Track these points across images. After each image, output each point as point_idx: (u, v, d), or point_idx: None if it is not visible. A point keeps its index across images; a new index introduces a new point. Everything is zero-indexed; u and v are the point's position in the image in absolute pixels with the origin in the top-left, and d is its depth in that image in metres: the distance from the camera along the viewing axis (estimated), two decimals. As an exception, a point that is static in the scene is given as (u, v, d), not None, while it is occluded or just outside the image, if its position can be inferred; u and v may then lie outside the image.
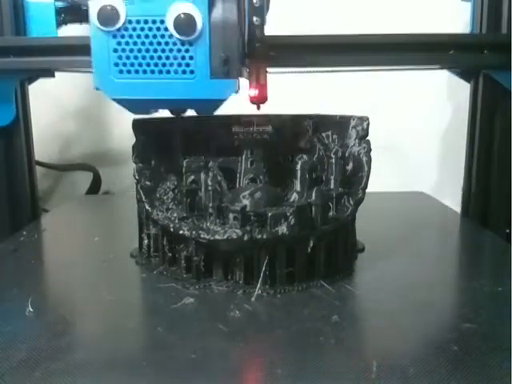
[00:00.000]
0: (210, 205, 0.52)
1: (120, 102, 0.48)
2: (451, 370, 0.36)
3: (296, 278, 0.51)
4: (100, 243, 0.67)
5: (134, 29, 0.45)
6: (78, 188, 1.14)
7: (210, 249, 0.51)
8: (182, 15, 0.44)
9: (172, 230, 0.53)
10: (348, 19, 1.00)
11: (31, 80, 0.81)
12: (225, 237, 0.49)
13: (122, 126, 1.09)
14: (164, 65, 0.45)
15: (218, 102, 0.48)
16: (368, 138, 0.58)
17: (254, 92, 0.52)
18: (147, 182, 0.57)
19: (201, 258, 0.52)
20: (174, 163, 0.59)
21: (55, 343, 0.40)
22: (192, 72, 0.45)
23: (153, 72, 0.45)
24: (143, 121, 0.58)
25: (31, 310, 0.46)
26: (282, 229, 0.49)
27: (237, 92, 0.48)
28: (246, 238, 0.48)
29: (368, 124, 0.58)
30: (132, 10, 0.45)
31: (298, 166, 0.57)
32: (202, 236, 0.50)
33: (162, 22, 0.44)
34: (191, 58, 0.45)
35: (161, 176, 0.59)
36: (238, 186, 0.58)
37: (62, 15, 0.76)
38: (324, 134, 0.60)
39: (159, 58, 0.45)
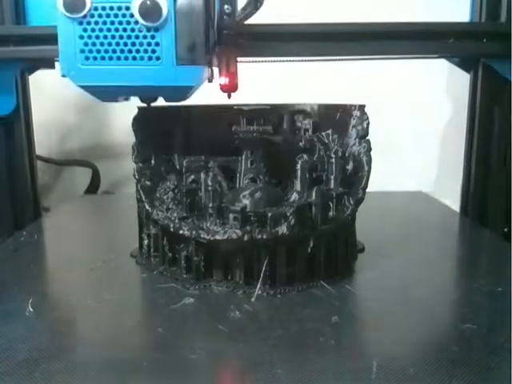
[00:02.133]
0: (210, 205, 0.52)
1: (87, 89, 0.47)
2: (451, 371, 0.36)
3: (296, 279, 0.51)
4: (100, 243, 0.67)
5: (100, 15, 0.44)
6: (76, 184, 1.14)
7: (210, 249, 0.51)
8: (148, 1, 0.43)
9: (172, 229, 0.53)
10: (346, 7, 1.00)
11: (31, 71, 0.82)
12: (225, 237, 0.49)
13: (121, 119, 1.10)
14: (130, 51, 0.45)
15: (186, 89, 0.48)
16: (368, 137, 0.58)
17: (224, 80, 0.51)
18: (147, 182, 0.57)
19: (201, 258, 0.52)
20: (174, 162, 0.59)
21: (55, 343, 0.40)
22: (158, 58, 0.45)
23: (119, 58, 0.45)
24: (143, 119, 0.58)
25: (31, 310, 0.46)
26: (282, 229, 0.49)
27: (210, 81, 0.48)
28: (246, 238, 0.48)
29: (368, 124, 0.58)
30: (98, -4, 0.44)
31: (298, 166, 0.57)
32: (202, 236, 0.50)
33: (128, 8, 0.44)
34: (157, 44, 0.45)
35: (161, 176, 0.59)
36: (238, 185, 0.57)
37: None
38: (324, 134, 0.60)
39: (125, 44, 0.45)
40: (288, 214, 0.49)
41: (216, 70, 0.53)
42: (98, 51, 0.45)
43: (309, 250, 0.51)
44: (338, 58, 0.73)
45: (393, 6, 0.99)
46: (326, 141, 0.60)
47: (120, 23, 0.44)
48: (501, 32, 0.70)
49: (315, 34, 0.68)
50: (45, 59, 0.76)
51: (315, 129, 0.61)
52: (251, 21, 0.55)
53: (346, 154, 0.58)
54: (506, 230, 0.80)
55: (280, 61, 0.71)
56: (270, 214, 0.49)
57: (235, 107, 0.58)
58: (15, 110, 0.78)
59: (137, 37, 0.45)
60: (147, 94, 0.51)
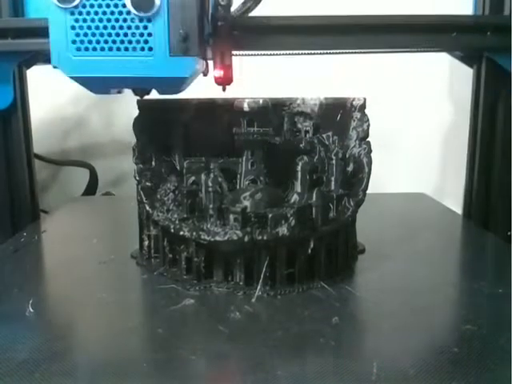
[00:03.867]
0: (211, 206, 0.52)
1: (78, 80, 0.47)
2: (452, 372, 0.36)
3: (296, 280, 0.51)
4: (100, 244, 0.67)
5: (92, 5, 0.44)
6: (74, 185, 1.14)
7: (210, 250, 0.51)
8: None
9: (172, 230, 0.53)
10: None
11: (29, 65, 0.81)
12: (225, 238, 0.49)
13: (121, 121, 1.09)
14: (122, 42, 0.44)
15: (179, 81, 0.47)
16: (368, 139, 0.58)
17: (219, 73, 0.50)
18: (148, 183, 0.57)
19: (201, 259, 0.52)
20: (175, 164, 0.59)
21: (55, 344, 0.40)
22: (150, 49, 0.45)
23: (111, 49, 0.44)
24: (143, 119, 0.58)
25: (31, 310, 0.46)
26: (283, 230, 0.49)
27: (205, 74, 0.47)
28: (246, 239, 0.48)
29: (368, 125, 0.58)
30: (90, -14, 0.44)
31: (299, 167, 0.57)
32: (202, 237, 0.50)
33: None
34: (150, 34, 0.44)
35: (161, 177, 0.59)
36: (238, 187, 0.58)
37: None
38: (325, 135, 0.61)
39: (117, 34, 0.44)
40: (288, 215, 0.49)
41: (211, 63, 0.52)
42: (90, 42, 0.45)
43: (309, 251, 0.51)
44: (337, 51, 0.73)
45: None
46: (327, 142, 0.60)
47: (112, 13, 0.44)
48: (505, 25, 0.68)
49: (312, 27, 0.67)
50: (42, 53, 0.75)
51: (316, 130, 0.61)
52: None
53: (347, 156, 0.58)
54: (508, 233, 0.79)
55: (276, 54, 0.71)
56: (270, 215, 0.49)
57: (237, 100, 0.58)
58: (12, 105, 0.78)
59: (129, 27, 0.44)
60: (140, 85, 0.50)
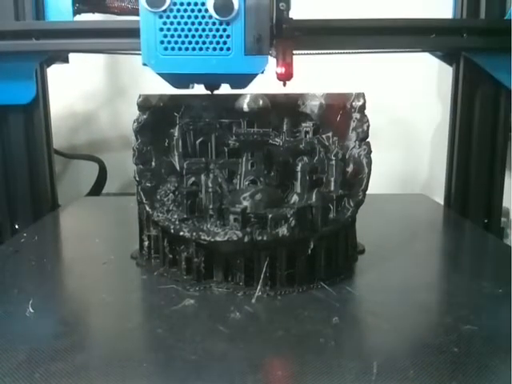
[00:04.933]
0: (211, 206, 0.52)
1: (164, 76, 0.53)
2: (451, 372, 0.36)
3: (296, 280, 0.51)
4: (100, 244, 0.67)
5: (178, 10, 0.49)
6: (84, 179, 1.15)
7: (210, 250, 0.52)
8: None
9: (172, 231, 0.53)
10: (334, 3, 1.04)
11: (49, 63, 0.87)
12: (225, 238, 0.49)
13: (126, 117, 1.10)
14: (204, 42, 0.50)
15: (252, 76, 0.53)
16: (368, 139, 0.58)
17: (281, 70, 0.56)
18: (148, 184, 0.57)
19: (201, 259, 0.52)
20: (175, 164, 0.59)
21: (55, 344, 0.40)
22: (228, 49, 0.50)
23: (194, 49, 0.50)
24: (144, 120, 0.58)
25: (31, 311, 0.46)
26: (283, 230, 0.49)
27: (262, 72, 0.52)
28: (246, 239, 0.48)
29: (368, 126, 0.58)
30: (176, -8, 0.49)
31: (299, 168, 0.57)
32: (202, 237, 0.50)
33: (203, 3, 0.49)
34: (228, 36, 0.50)
35: (161, 177, 0.59)
36: (238, 187, 0.58)
37: (77, 5, 0.80)
38: (324, 136, 0.61)
39: (200, 36, 0.50)
40: (288, 216, 0.49)
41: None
42: (176, 42, 0.50)
43: (309, 251, 0.51)
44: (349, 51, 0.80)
45: (379, 2, 1.02)
46: (327, 143, 0.60)
47: (196, 17, 0.49)
48: (479, 27, 0.77)
49: (359, 29, 0.76)
50: (61, 53, 0.84)
51: (315, 131, 0.61)
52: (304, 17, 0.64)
53: (346, 157, 0.58)
54: (485, 220, 0.86)
55: (331, 53, 0.80)
56: (270, 216, 0.49)
57: (237, 101, 0.58)
58: (35, 100, 0.83)
59: (210, 30, 0.50)
60: (217, 81, 0.58)
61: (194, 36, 0.49)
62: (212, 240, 0.49)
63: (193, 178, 0.57)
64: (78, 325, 0.45)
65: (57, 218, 0.86)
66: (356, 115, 0.58)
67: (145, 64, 0.51)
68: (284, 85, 0.57)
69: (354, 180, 0.57)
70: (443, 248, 0.69)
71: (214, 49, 0.50)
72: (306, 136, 0.61)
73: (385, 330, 0.43)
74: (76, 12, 0.80)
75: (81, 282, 0.55)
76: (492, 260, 0.66)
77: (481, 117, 0.84)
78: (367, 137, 0.58)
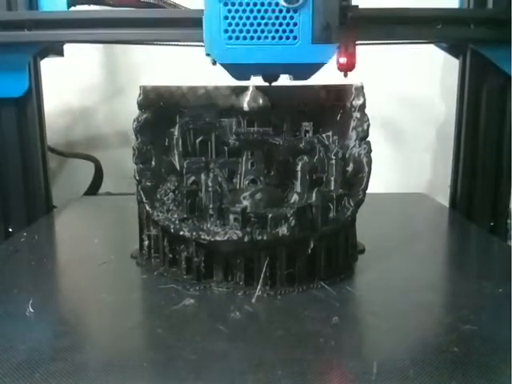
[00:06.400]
0: (211, 206, 0.52)
1: (228, 67, 0.51)
2: (451, 372, 0.36)
3: (296, 280, 0.51)
4: (100, 244, 0.67)
5: None
6: (78, 179, 1.13)
7: (210, 250, 0.51)
8: None
9: (172, 230, 0.53)
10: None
11: (42, 56, 0.84)
12: (225, 238, 0.49)
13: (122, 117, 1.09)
14: (270, 31, 0.48)
15: (318, 66, 0.51)
16: (368, 139, 0.58)
17: (343, 60, 0.54)
18: (148, 183, 0.57)
19: (201, 259, 0.52)
20: (175, 163, 0.59)
21: (55, 344, 0.40)
22: (295, 38, 0.49)
23: (259, 38, 0.48)
24: (144, 120, 0.58)
25: (31, 310, 0.46)
26: (283, 230, 0.49)
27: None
28: (246, 239, 0.48)
29: (368, 125, 0.58)
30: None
31: (299, 167, 0.57)
32: (202, 237, 0.50)
33: None
34: (295, 24, 0.48)
35: (161, 177, 0.59)
36: (238, 187, 0.58)
37: None
38: (324, 135, 0.60)
39: (266, 24, 0.48)
40: (288, 215, 0.49)
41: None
42: (241, 31, 0.48)
43: (309, 251, 0.51)
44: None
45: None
46: (327, 142, 0.60)
47: (262, 4, 0.47)
48: (487, 18, 0.73)
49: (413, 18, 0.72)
50: (55, 44, 0.81)
51: (315, 130, 0.61)
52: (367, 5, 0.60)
53: (347, 156, 0.58)
54: (491, 224, 0.83)
55: (392, 43, 0.75)
56: (270, 215, 0.49)
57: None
58: (27, 93, 0.81)
59: (277, 17, 0.48)
60: (282, 71, 0.55)
61: (259, 24, 0.48)
62: (212, 239, 0.49)
63: (193, 178, 0.57)
64: (78, 324, 0.46)
65: (56, 218, 0.86)
66: (356, 114, 0.58)
67: (208, 54, 0.49)
68: (345, 75, 0.55)
69: (354, 179, 0.57)
70: (444, 247, 0.69)
71: (280, 37, 0.48)
72: (305, 135, 0.61)
73: (385, 329, 0.43)
74: (71, 4, 0.78)
75: (81, 282, 0.55)
76: (492, 259, 0.66)
77: (487, 112, 0.82)
78: (367, 136, 0.58)
